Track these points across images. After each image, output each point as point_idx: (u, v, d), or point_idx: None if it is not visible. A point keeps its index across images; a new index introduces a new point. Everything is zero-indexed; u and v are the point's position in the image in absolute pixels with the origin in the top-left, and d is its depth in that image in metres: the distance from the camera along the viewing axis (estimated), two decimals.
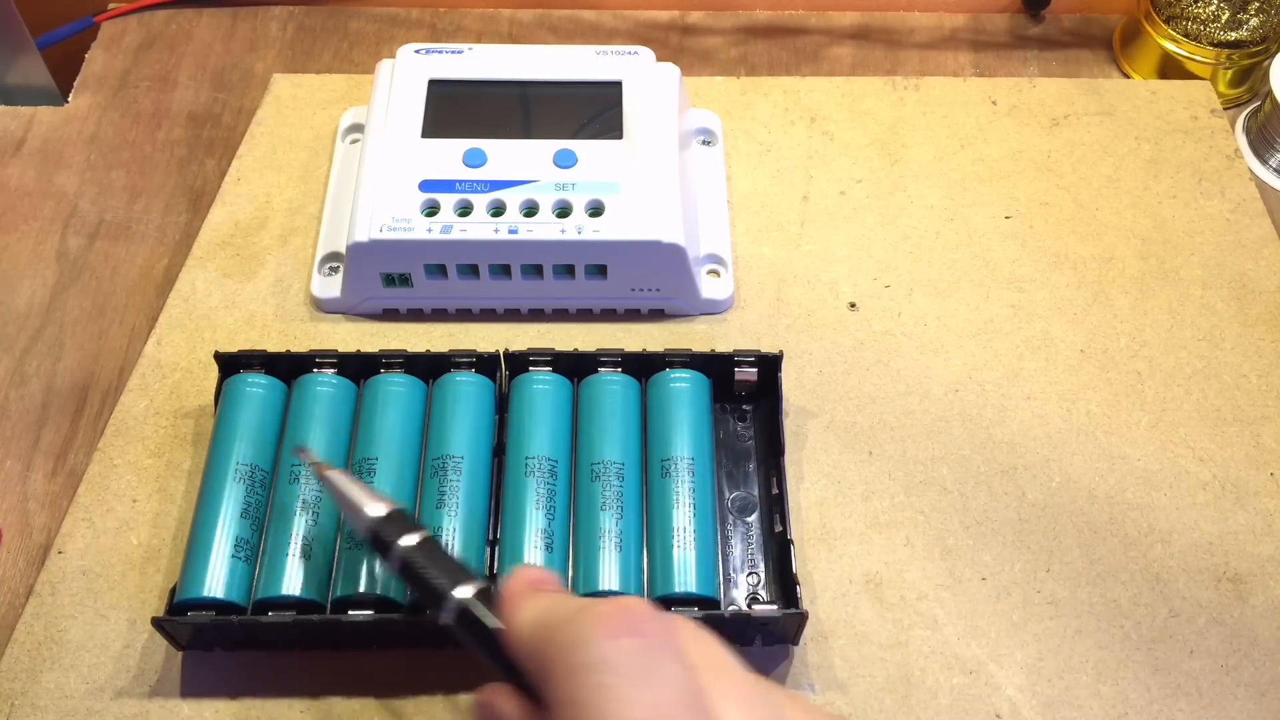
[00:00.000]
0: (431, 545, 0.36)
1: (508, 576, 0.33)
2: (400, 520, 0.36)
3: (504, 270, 0.50)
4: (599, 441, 0.44)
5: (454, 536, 0.42)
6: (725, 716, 0.28)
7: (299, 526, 0.42)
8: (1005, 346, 0.51)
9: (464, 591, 0.34)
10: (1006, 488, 0.47)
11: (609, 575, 0.41)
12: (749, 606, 0.43)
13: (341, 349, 0.47)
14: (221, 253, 0.54)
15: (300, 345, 0.50)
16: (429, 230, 0.48)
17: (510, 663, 0.31)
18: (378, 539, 0.36)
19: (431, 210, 0.49)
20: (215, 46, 0.64)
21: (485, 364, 0.46)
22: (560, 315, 0.52)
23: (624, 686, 0.27)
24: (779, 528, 0.44)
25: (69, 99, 0.61)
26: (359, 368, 0.47)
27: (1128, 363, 0.51)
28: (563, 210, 0.49)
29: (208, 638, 0.41)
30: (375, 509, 0.37)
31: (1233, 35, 0.60)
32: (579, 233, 0.48)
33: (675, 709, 0.27)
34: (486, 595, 0.33)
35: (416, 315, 0.52)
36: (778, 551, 0.44)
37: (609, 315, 0.52)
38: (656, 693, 0.27)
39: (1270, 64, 0.59)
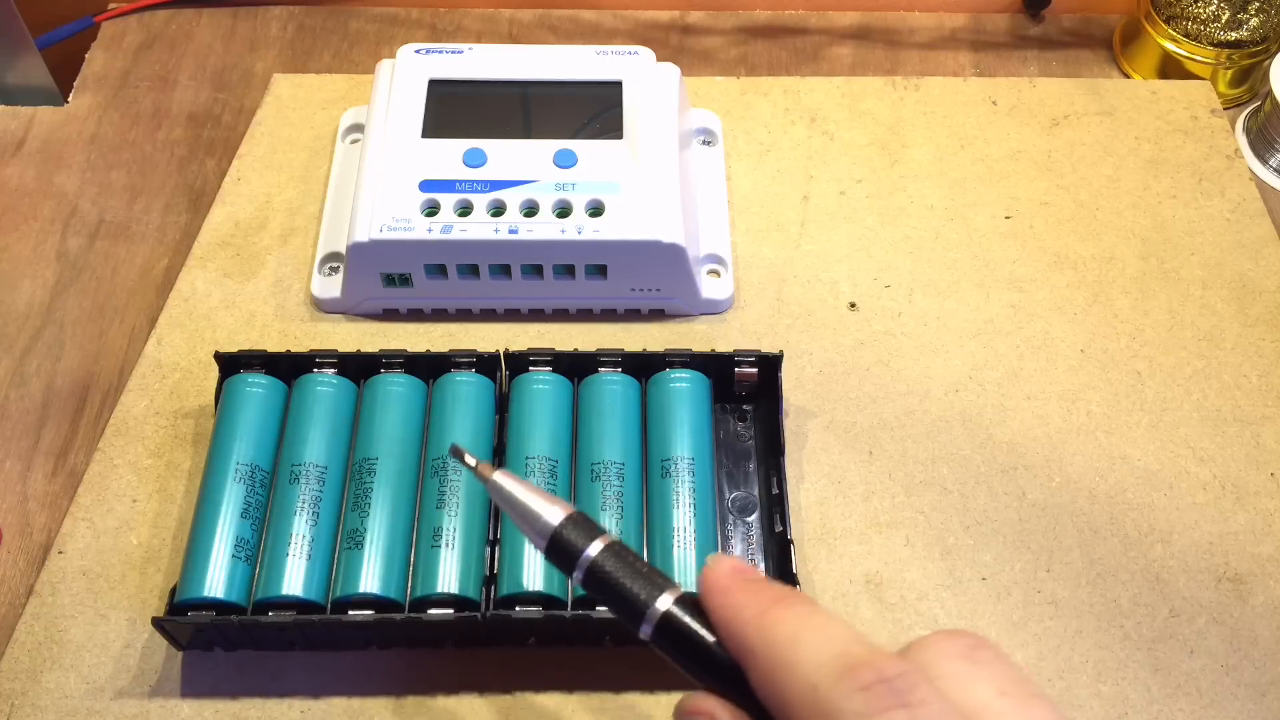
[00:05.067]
0: (621, 550, 0.30)
1: (707, 568, 0.28)
2: (583, 524, 0.30)
3: (504, 270, 0.50)
4: (599, 441, 0.44)
5: (454, 536, 0.42)
6: None
7: (299, 526, 0.42)
8: (1005, 346, 0.51)
9: (664, 601, 0.28)
10: (1006, 488, 0.47)
11: None
12: None
13: (341, 349, 0.47)
14: (221, 253, 0.54)
15: (300, 345, 0.50)
16: (429, 230, 0.48)
17: (725, 673, 0.27)
18: (561, 549, 0.30)
19: (431, 210, 0.49)
20: (215, 46, 0.64)
21: (485, 364, 0.46)
22: (560, 315, 0.52)
23: None
24: (779, 528, 0.44)
25: (69, 99, 0.61)
26: (359, 368, 0.47)
27: (1128, 363, 0.51)
28: (563, 210, 0.49)
29: (208, 638, 0.41)
30: (553, 514, 0.30)
31: (1233, 35, 0.60)
32: (579, 233, 0.48)
33: None
34: (689, 603, 0.28)
35: (416, 315, 0.52)
36: (778, 551, 0.44)
37: (609, 315, 0.52)
38: None
39: (1270, 64, 0.59)
